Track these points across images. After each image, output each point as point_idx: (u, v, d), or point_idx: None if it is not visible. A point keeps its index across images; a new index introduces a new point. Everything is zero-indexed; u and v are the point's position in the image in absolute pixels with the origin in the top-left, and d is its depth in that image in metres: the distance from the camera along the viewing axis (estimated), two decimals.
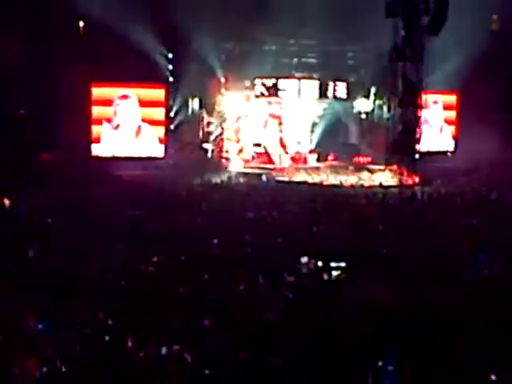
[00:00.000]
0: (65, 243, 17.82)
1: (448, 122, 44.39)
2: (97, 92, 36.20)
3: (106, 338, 11.90)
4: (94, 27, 32.78)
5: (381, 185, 33.95)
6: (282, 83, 40.80)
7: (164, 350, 11.44)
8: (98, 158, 36.20)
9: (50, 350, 11.27)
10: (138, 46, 32.73)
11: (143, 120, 37.65)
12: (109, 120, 36.89)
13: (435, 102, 43.35)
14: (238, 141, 41.42)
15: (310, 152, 42.94)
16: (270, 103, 42.17)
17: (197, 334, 12.21)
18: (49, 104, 31.58)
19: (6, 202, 24.47)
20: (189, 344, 11.62)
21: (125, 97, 37.05)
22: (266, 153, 41.76)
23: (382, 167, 36.42)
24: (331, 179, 35.91)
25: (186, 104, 39.28)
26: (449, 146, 44.58)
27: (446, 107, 44.21)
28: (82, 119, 34.83)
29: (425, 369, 10.88)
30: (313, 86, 41.38)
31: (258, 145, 41.48)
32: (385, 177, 35.46)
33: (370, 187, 33.67)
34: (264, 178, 36.22)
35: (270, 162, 41.38)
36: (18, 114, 32.81)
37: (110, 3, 30.35)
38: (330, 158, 42.10)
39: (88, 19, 33.38)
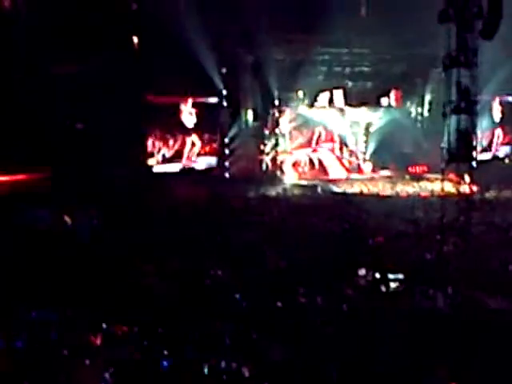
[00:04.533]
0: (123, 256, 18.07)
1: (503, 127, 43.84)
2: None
3: (165, 351, 12.02)
4: (148, 42, 33.07)
5: (438, 194, 33.47)
6: (335, 93, 40.79)
7: (223, 364, 11.50)
8: (155, 173, 36.18)
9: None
10: (191, 60, 32.92)
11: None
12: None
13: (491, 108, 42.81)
14: (291, 152, 41.38)
15: (365, 162, 42.72)
16: (323, 114, 42.04)
17: (254, 347, 12.26)
18: (105, 119, 31.86)
19: (67, 219, 24.86)
20: (246, 357, 11.67)
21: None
22: (321, 164, 41.71)
23: (438, 176, 35.91)
24: (387, 189, 35.63)
25: (239, 116, 39.36)
26: (506, 151, 43.97)
27: (501, 112, 43.65)
28: (138, 134, 35.09)
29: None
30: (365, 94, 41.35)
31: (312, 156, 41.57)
32: (442, 186, 34.97)
33: (427, 197, 33.27)
34: (319, 189, 36.11)
35: (325, 173, 41.32)
36: (76, 129, 33.06)
37: (163, 18, 30.64)
38: (390, 167, 41.74)
39: (141, 34, 33.72)
